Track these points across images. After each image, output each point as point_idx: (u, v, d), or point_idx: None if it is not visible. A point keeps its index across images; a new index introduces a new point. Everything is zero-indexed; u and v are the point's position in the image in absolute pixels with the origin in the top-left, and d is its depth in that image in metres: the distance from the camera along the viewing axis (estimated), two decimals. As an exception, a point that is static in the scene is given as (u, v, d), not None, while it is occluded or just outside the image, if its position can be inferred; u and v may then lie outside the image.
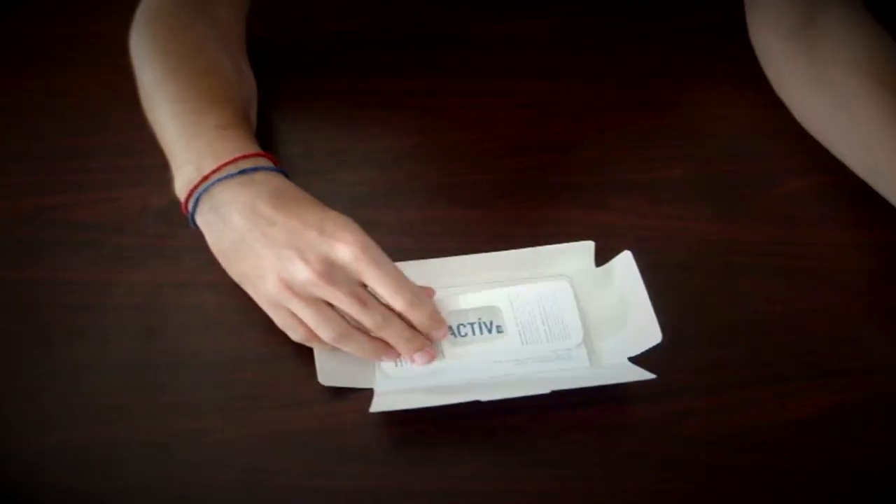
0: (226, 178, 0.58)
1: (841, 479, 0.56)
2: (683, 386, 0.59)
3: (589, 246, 0.63)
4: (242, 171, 0.58)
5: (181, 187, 0.60)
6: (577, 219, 0.68)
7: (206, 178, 0.58)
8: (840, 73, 0.66)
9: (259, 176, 0.58)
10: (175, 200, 0.62)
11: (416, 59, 0.79)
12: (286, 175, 0.61)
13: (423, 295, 0.57)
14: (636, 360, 0.59)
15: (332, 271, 0.54)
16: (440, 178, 0.71)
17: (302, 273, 0.54)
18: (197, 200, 0.59)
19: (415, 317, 0.57)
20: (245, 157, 0.59)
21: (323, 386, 0.58)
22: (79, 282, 0.65)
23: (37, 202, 0.70)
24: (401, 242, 0.66)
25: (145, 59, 0.67)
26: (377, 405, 0.57)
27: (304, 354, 0.59)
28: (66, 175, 0.71)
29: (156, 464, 0.56)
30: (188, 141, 0.61)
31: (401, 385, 0.59)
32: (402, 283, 0.56)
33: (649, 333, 0.58)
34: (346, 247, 0.54)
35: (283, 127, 0.74)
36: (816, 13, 0.68)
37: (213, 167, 0.58)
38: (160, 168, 0.67)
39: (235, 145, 0.59)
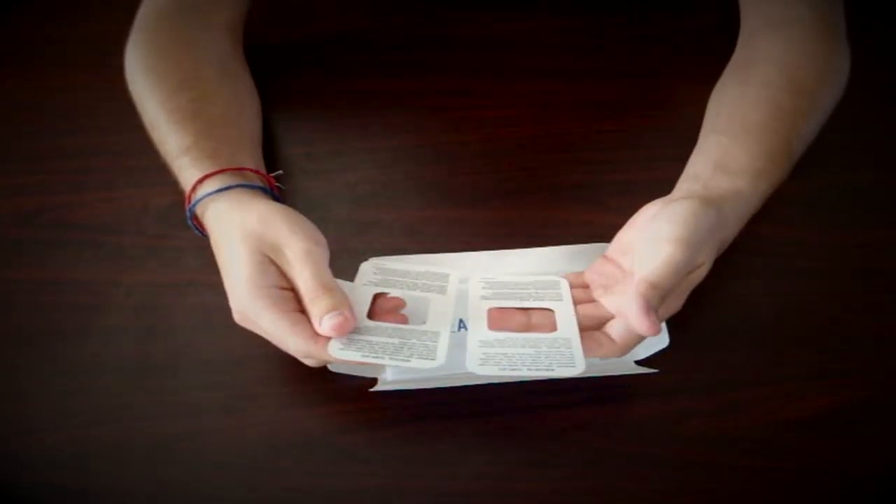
0: (191, 215, 0.63)
1: (841, 479, 0.56)
2: (683, 386, 0.59)
3: (603, 248, 0.62)
4: (191, 210, 0.62)
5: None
6: (577, 219, 0.68)
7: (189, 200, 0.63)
8: (762, 64, 0.69)
9: (202, 213, 0.61)
10: (175, 201, 0.62)
11: (417, 59, 0.79)
12: (226, 185, 0.61)
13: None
14: (639, 360, 0.59)
15: (243, 319, 0.57)
16: (440, 178, 0.71)
17: (234, 317, 0.58)
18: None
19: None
20: (194, 188, 0.62)
21: (323, 386, 0.58)
22: (79, 282, 0.65)
23: (37, 202, 0.70)
24: (401, 242, 0.66)
25: (133, 73, 0.69)
26: (381, 386, 0.57)
27: (304, 354, 0.60)
28: (66, 175, 0.71)
29: (156, 464, 0.56)
30: (171, 167, 0.65)
31: (410, 375, 0.59)
32: (276, 335, 0.56)
33: (656, 337, 0.58)
34: (236, 305, 0.57)
35: (284, 127, 0.74)
36: (776, 24, 0.70)
37: (186, 199, 0.62)
38: (160, 168, 0.67)
39: (189, 175, 0.62)
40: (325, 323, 0.54)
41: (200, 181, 0.61)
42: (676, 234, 0.54)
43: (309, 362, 0.57)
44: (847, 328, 0.62)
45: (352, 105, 0.76)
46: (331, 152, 0.73)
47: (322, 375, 0.58)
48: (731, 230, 0.60)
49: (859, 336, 0.62)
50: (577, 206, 0.69)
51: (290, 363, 0.60)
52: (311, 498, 0.55)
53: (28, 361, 0.61)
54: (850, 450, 0.57)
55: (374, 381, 0.58)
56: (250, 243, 0.56)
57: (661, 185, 0.62)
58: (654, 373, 0.58)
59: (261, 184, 0.63)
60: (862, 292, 0.64)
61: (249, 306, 0.55)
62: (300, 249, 0.56)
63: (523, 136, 0.74)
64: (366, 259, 0.63)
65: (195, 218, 0.62)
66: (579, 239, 0.63)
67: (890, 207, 0.69)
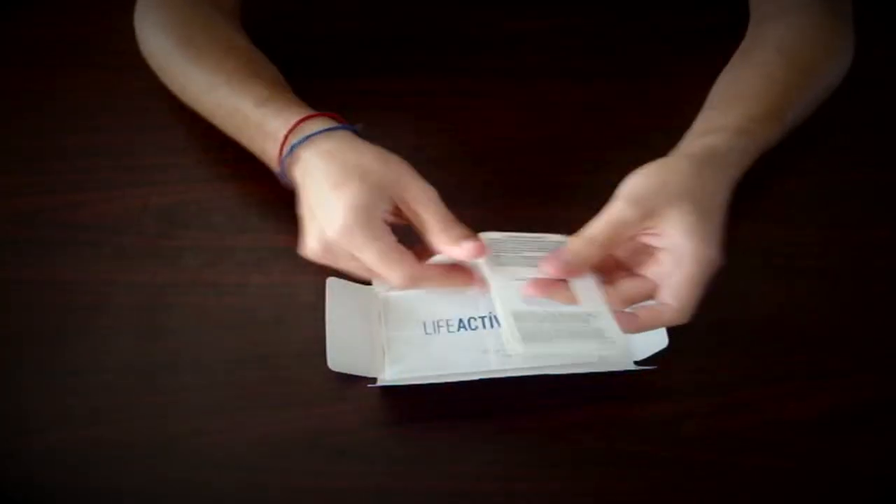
0: (290, 152, 0.61)
1: (841, 479, 0.56)
2: (683, 386, 0.59)
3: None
4: (292, 147, 0.61)
5: (272, 159, 0.63)
6: (577, 219, 0.68)
7: (281, 151, 0.61)
8: (761, 48, 0.70)
9: (302, 152, 0.60)
10: (175, 201, 0.62)
11: (416, 59, 0.79)
12: (333, 125, 0.61)
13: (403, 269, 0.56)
14: (638, 360, 0.59)
15: (328, 249, 0.57)
16: (440, 179, 0.71)
17: (309, 248, 0.57)
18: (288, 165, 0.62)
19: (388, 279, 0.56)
20: (292, 129, 0.61)
21: (323, 386, 0.58)
22: (79, 282, 0.65)
23: (37, 202, 0.69)
24: (401, 242, 0.66)
25: (164, 49, 0.68)
26: (381, 383, 0.57)
27: (304, 354, 0.60)
28: (66, 175, 0.71)
29: (156, 464, 0.56)
30: (245, 122, 0.64)
31: (411, 374, 0.58)
32: (383, 264, 0.56)
33: (656, 338, 0.58)
34: (333, 233, 0.56)
35: (283, 127, 0.74)
36: (783, 11, 0.71)
37: (277, 151, 0.61)
38: (160, 168, 0.68)
39: (283, 120, 0.62)
40: (464, 246, 0.55)
41: (300, 122, 0.61)
42: (622, 191, 0.57)
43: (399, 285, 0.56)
44: (847, 328, 0.62)
45: (352, 105, 0.76)
46: (331, 152, 0.73)
47: (322, 375, 0.58)
48: (708, 183, 0.58)
49: (859, 336, 0.62)
50: (577, 206, 0.69)
51: (289, 363, 0.60)
52: (311, 498, 0.55)
53: (28, 361, 0.61)
54: (851, 450, 0.57)
55: (373, 378, 0.59)
56: (370, 178, 0.57)
57: (662, 185, 0.62)
58: (653, 369, 0.58)
59: (356, 129, 0.63)
60: (862, 292, 0.64)
61: (357, 234, 0.55)
62: (427, 186, 0.58)
63: (523, 137, 0.74)
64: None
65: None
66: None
67: (890, 206, 0.69)
